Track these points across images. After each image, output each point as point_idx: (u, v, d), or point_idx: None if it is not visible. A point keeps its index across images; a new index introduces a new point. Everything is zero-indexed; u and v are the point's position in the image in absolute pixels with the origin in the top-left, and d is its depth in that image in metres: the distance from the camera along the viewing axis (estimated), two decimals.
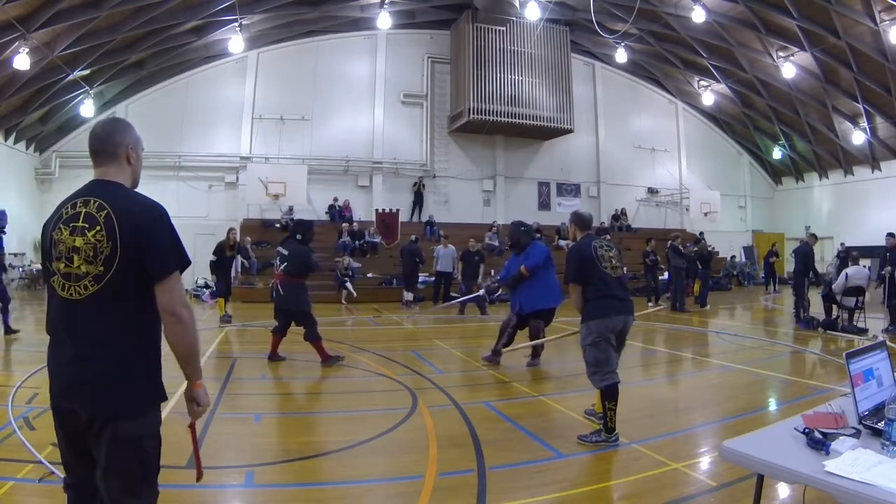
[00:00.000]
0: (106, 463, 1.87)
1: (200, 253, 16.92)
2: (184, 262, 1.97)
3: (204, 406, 2.06)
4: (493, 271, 18.21)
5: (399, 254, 15.85)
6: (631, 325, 4.40)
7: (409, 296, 15.04)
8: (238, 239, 11.66)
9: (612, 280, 4.28)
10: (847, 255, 19.40)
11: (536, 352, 7.12)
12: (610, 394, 4.12)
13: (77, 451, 1.96)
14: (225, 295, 11.36)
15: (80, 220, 1.91)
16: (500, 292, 16.53)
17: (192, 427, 2.13)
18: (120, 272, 1.87)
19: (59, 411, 1.96)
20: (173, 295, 1.91)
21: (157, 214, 1.95)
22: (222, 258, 11.05)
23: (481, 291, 12.70)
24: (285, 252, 6.99)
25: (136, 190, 2.09)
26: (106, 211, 1.90)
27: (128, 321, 1.91)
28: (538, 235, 19.40)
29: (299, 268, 6.93)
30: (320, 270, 7.49)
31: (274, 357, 7.09)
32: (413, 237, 15.92)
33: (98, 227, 1.89)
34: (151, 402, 1.97)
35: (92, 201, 1.93)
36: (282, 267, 6.94)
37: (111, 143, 2.03)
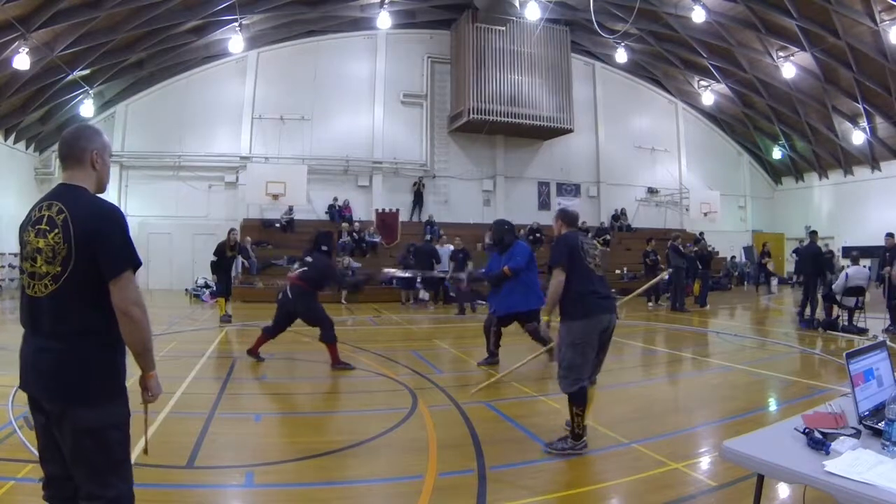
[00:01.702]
0: (71, 453, 1.98)
1: (200, 253, 16.96)
2: (135, 263, 2.06)
3: (154, 394, 2.17)
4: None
5: (411, 254, 15.67)
6: (615, 325, 4.24)
7: (425, 295, 15.26)
8: (238, 239, 11.67)
9: (596, 277, 4.14)
10: (832, 258, 19.52)
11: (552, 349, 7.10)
12: (578, 399, 3.92)
13: (52, 441, 2.05)
14: (225, 295, 11.37)
15: (44, 223, 2.03)
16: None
17: (145, 408, 2.24)
18: (75, 272, 1.98)
19: (31, 400, 2.08)
20: (125, 293, 1.99)
21: (110, 217, 2.05)
22: (223, 258, 11.07)
23: (462, 275, 12.84)
24: (309, 260, 6.89)
25: (101, 195, 2.19)
26: (64, 215, 2.01)
27: (85, 317, 2.00)
28: (538, 235, 19.57)
29: (315, 276, 6.79)
30: (332, 287, 7.15)
31: (253, 353, 6.98)
32: (428, 237, 15.84)
33: (56, 230, 2.00)
34: (110, 393, 2.05)
35: (54, 205, 2.05)
36: (299, 271, 6.82)
37: (77, 149, 2.14)
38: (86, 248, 1.98)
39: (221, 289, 11.46)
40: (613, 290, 19.05)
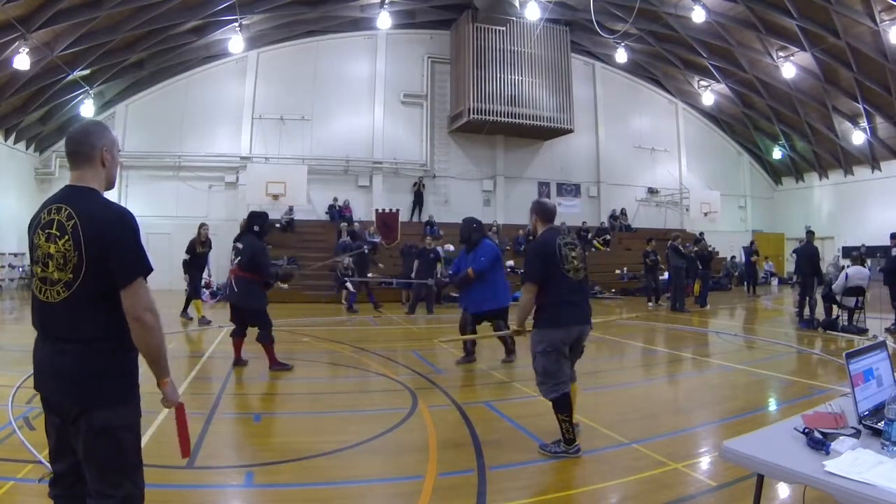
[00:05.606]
0: (84, 453, 1.98)
1: None
2: (146, 269, 2.04)
3: (171, 402, 2.14)
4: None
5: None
6: (588, 334, 4.10)
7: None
8: (210, 235, 10.86)
9: (572, 284, 3.94)
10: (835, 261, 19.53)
11: (510, 348, 7.14)
12: (561, 405, 3.85)
13: (65, 440, 2.04)
14: (199, 297, 10.78)
15: (54, 228, 2.00)
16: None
17: (177, 410, 2.18)
18: (87, 279, 1.96)
19: (46, 402, 2.07)
20: (137, 300, 1.97)
21: (121, 223, 2.01)
22: (194, 256, 10.53)
23: (430, 281, 13.25)
24: (240, 246, 6.56)
25: (110, 191, 2.17)
26: (74, 221, 1.97)
27: (100, 323, 1.99)
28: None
29: (250, 262, 6.42)
30: (271, 279, 6.73)
31: (239, 362, 6.67)
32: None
33: (67, 237, 1.97)
34: (124, 395, 2.05)
35: (63, 209, 2.00)
36: (237, 261, 6.50)
37: (86, 146, 2.10)
38: (97, 256, 1.95)
39: (194, 290, 10.80)
40: (613, 291, 19.00)
